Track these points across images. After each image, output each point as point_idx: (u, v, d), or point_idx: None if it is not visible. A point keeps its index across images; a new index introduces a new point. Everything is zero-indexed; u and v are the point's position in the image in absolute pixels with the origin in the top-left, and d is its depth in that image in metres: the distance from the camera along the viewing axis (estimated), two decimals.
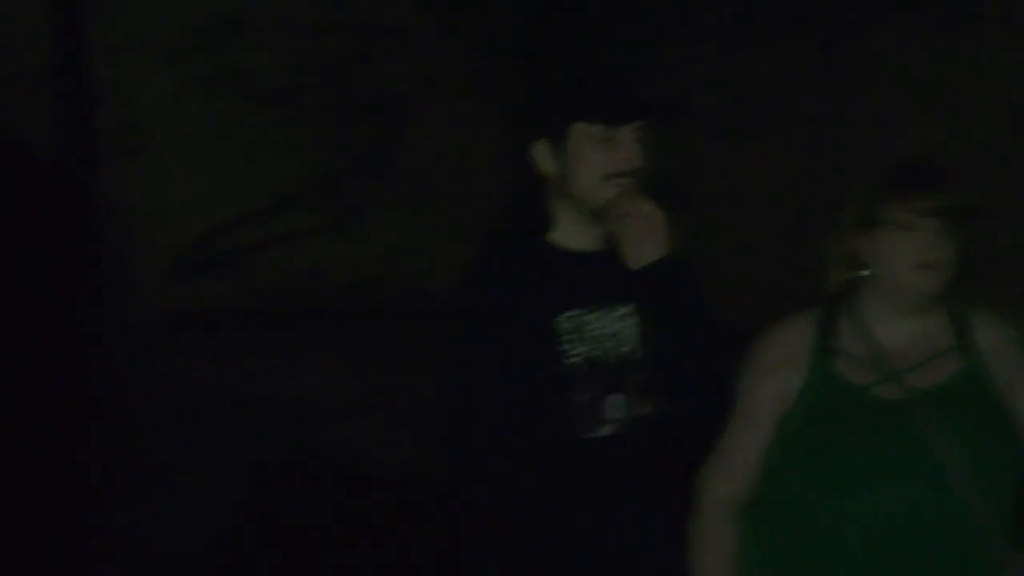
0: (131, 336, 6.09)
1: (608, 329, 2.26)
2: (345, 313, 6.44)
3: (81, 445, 6.10)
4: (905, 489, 2.18)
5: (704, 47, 6.08)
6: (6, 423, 6.17)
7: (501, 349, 2.19)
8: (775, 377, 2.36)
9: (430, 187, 6.64)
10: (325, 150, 6.52)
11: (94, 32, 5.94)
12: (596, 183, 2.22)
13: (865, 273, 2.33)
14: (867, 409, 2.26)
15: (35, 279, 6.41)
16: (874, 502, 2.19)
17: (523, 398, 2.17)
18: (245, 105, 6.25)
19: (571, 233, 2.29)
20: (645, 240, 2.24)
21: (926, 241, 2.22)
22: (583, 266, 2.28)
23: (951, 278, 2.27)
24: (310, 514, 5.79)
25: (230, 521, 5.77)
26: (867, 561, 2.18)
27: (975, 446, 2.19)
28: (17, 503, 5.88)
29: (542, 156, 2.27)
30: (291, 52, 6.37)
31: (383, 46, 6.54)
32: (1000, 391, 2.29)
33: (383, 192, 6.59)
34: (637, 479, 2.26)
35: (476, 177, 6.36)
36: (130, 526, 5.73)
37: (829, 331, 2.38)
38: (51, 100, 6.06)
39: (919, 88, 5.31)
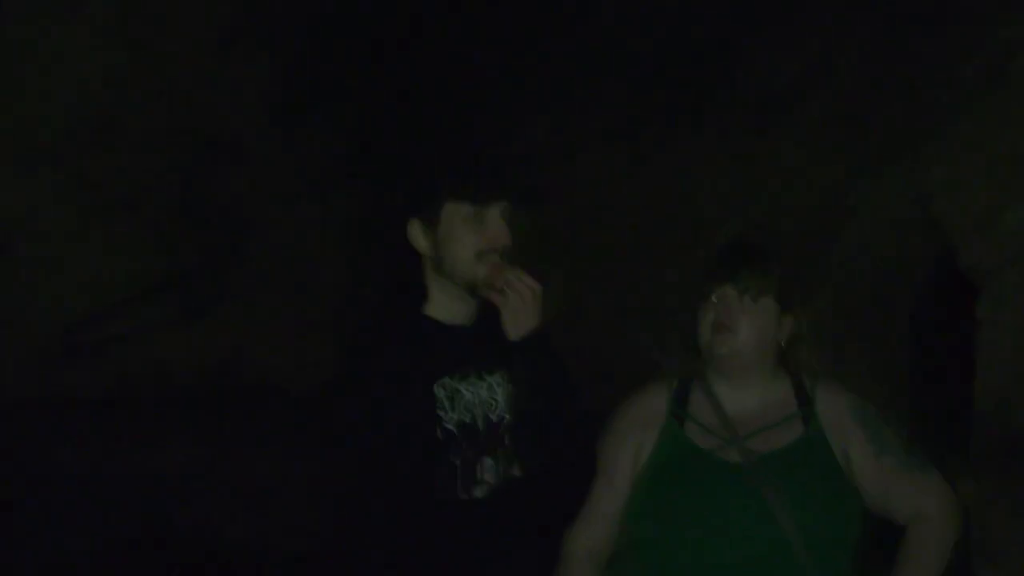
0: None
1: (480, 396, 2.29)
2: (193, 400, 6.50)
3: None
4: (743, 545, 2.23)
5: (520, 158, 6.01)
6: None
7: (380, 415, 2.17)
8: (631, 440, 2.43)
9: (271, 284, 6.83)
10: (175, 251, 6.64)
11: None
12: (468, 260, 2.24)
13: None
14: (711, 471, 2.32)
15: None
16: (715, 557, 2.23)
17: (402, 462, 2.17)
18: (102, 209, 6.33)
19: (445, 306, 2.32)
20: (524, 311, 2.26)
21: (719, 307, 2.35)
22: (456, 338, 2.30)
23: (757, 347, 2.36)
24: None
25: None
26: None
27: (810, 506, 2.23)
28: None
29: (416, 235, 2.30)
30: (145, 161, 6.47)
31: (228, 157, 6.69)
32: (838, 455, 2.32)
33: (228, 289, 6.73)
34: (508, 536, 2.26)
35: (313, 275, 6.84)
36: None
37: (681, 399, 2.44)
38: None
39: (722, 190, 5.42)
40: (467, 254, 2.24)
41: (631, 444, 2.43)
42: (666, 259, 5.51)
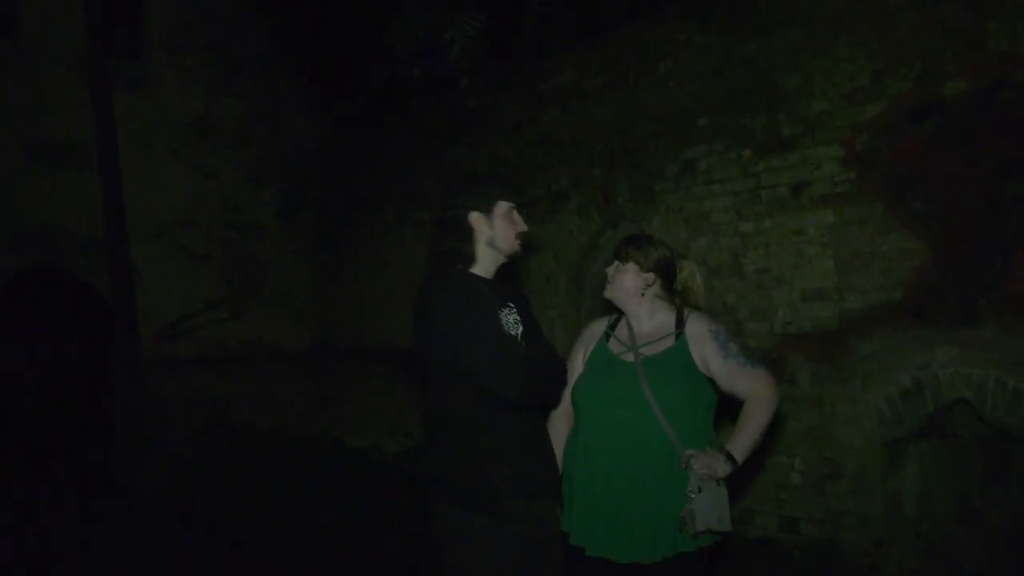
0: (137, 370, 8.17)
1: (510, 318, 2.73)
2: (237, 358, 8.99)
3: (108, 419, 8.68)
4: (624, 409, 2.73)
5: None
6: (80, 410, 8.85)
7: (482, 310, 2.61)
8: (583, 347, 2.95)
9: (277, 299, 9.32)
10: (227, 282, 9.01)
11: (120, 222, 7.80)
12: (512, 238, 2.71)
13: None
14: (614, 366, 2.82)
15: (90, 347, 8.94)
16: (612, 416, 2.73)
17: (493, 338, 2.60)
18: (188, 261, 8.77)
19: (486, 268, 2.73)
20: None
21: (609, 271, 2.90)
22: (494, 286, 2.74)
23: (629, 291, 2.85)
24: (225, 452, 7.99)
25: (186, 454, 8.18)
26: (604, 449, 2.74)
27: (668, 388, 2.73)
28: (75, 440, 8.32)
29: (477, 221, 2.67)
30: (210, 236, 8.94)
31: (258, 233, 9.23)
32: (696, 359, 2.78)
33: (255, 301, 9.21)
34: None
35: (298, 293, 9.45)
36: (133, 455, 8.09)
37: (613, 325, 2.96)
38: (104, 260, 7.95)
39: (534, 236, 5.41)
40: (511, 234, 2.71)
41: (582, 349, 2.94)
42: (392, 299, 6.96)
